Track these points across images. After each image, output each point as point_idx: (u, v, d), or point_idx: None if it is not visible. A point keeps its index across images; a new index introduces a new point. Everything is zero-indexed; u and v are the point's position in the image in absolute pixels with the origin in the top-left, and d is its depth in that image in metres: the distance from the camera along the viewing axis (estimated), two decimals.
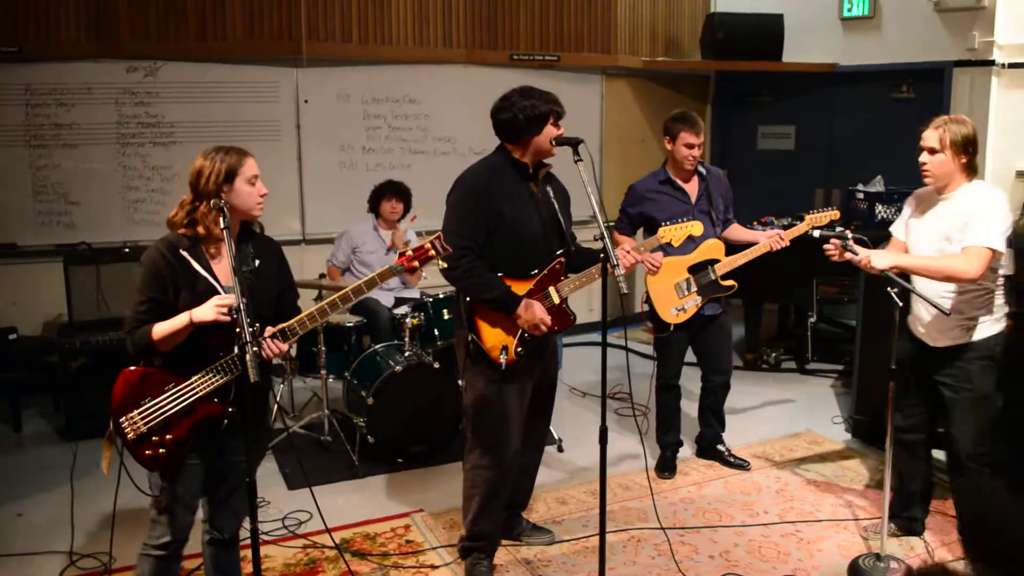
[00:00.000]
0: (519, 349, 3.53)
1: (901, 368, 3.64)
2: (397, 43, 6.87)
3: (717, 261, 4.52)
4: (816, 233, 3.77)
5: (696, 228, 4.05)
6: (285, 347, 2.82)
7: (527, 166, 3.57)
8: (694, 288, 4.52)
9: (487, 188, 3.49)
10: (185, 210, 2.84)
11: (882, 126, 7.67)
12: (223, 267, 2.84)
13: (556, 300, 3.57)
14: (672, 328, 4.58)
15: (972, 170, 3.51)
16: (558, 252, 3.61)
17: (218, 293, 2.78)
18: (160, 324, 2.74)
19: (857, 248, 3.52)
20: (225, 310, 2.68)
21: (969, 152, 3.45)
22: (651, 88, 8.21)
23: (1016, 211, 6.25)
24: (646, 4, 8.01)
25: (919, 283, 3.58)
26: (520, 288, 3.52)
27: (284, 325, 2.83)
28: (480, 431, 3.61)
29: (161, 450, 2.79)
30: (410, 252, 2.89)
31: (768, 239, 4.49)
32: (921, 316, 3.67)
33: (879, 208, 6.75)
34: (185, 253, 2.80)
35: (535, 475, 4.07)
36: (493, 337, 3.53)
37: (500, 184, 3.52)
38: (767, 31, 7.82)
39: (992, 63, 7.14)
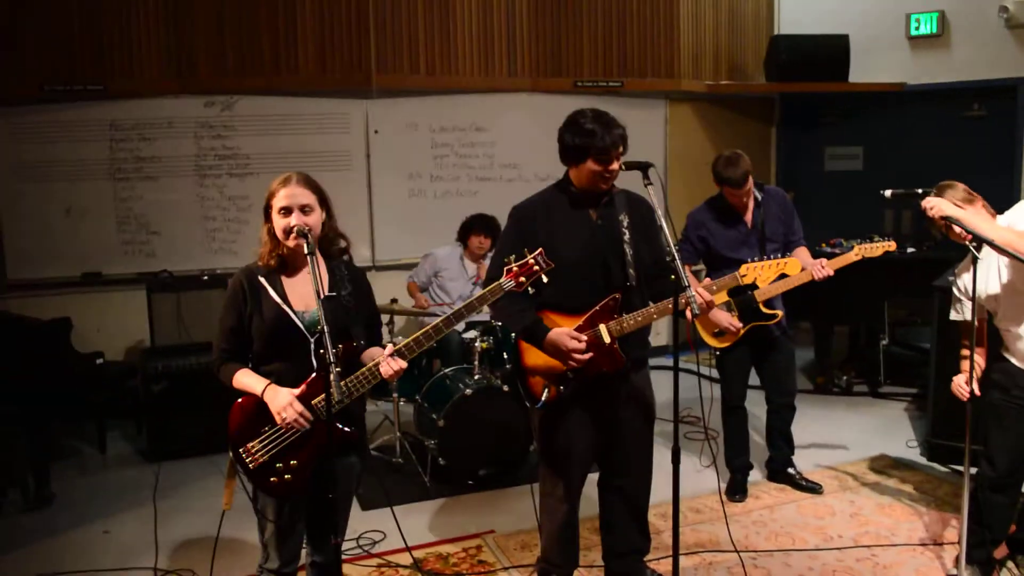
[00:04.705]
0: (561, 387, 3.40)
1: (1008, 391, 3.52)
2: (463, 73, 7.02)
3: (756, 287, 4.34)
4: (888, 193, 3.80)
5: (792, 266, 3.78)
6: (404, 364, 2.76)
7: (581, 192, 3.41)
8: (735, 312, 4.54)
9: (531, 216, 3.39)
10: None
11: (953, 145, 7.55)
12: (299, 293, 2.84)
13: (606, 339, 3.33)
14: (717, 352, 4.65)
15: (988, 208, 3.61)
16: (620, 288, 3.37)
17: (288, 319, 2.78)
18: (241, 377, 2.81)
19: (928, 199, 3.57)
20: (290, 419, 2.70)
21: (976, 197, 3.59)
22: (715, 112, 8.22)
23: None
24: (709, 28, 8.04)
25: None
26: (568, 324, 3.33)
27: (402, 344, 2.77)
28: (542, 460, 3.59)
29: (287, 476, 2.79)
30: (515, 268, 2.83)
31: (811, 268, 4.36)
32: None
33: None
34: (262, 279, 2.82)
35: (645, 521, 3.74)
36: (536, 372, 3.45)
37: (546, 212, 3.39)
38: (832, 52, 7.78)
39: None
